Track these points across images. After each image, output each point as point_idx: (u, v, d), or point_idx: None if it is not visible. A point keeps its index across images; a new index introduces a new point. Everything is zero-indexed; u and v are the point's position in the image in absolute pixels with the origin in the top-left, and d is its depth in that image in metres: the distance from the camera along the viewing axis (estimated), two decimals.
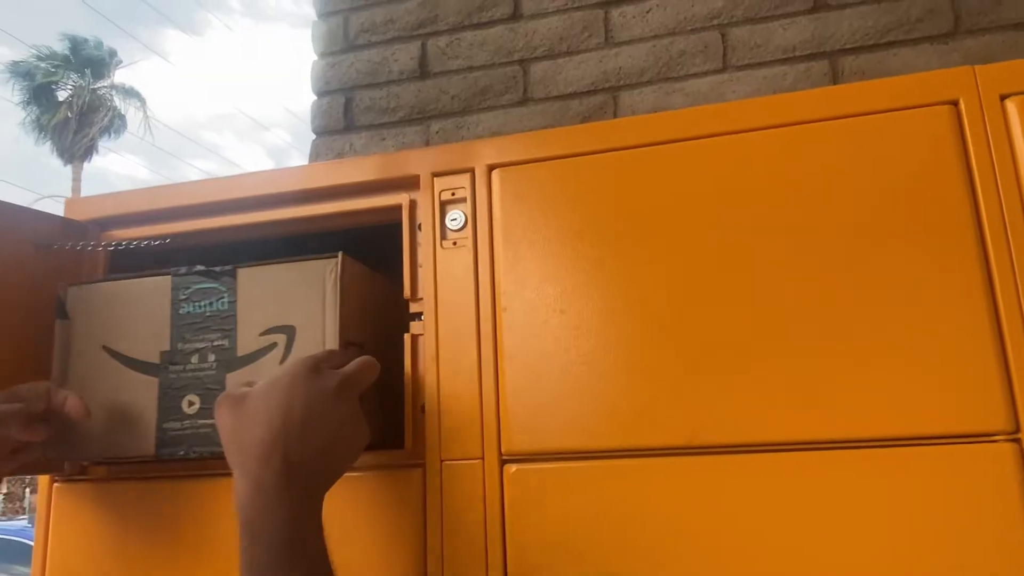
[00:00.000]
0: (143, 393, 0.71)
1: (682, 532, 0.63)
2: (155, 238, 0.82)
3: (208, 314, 0.72)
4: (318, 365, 0.61)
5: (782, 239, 0.66)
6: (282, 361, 0.69)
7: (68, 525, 0.78)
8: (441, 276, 0.73)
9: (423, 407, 0.71)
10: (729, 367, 0.64)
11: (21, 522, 7.83)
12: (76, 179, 21.01)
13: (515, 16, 1.52)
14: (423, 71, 1.55)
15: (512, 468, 0.68)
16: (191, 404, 0.70)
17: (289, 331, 0.69)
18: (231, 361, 0.70)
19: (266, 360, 0.69)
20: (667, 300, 0.67)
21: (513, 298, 0.70)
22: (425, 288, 0.73)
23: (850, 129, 0.66)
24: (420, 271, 0.74)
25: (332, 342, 0.68)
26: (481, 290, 0.72)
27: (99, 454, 0.73)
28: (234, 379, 0.69)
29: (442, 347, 0.71)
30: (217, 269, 0.72)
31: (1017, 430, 0.58)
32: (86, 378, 0.73)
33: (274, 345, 0.69)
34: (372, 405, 0.69)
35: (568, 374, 0.68)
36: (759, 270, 0.65)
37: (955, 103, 0.64)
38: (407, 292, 0.74)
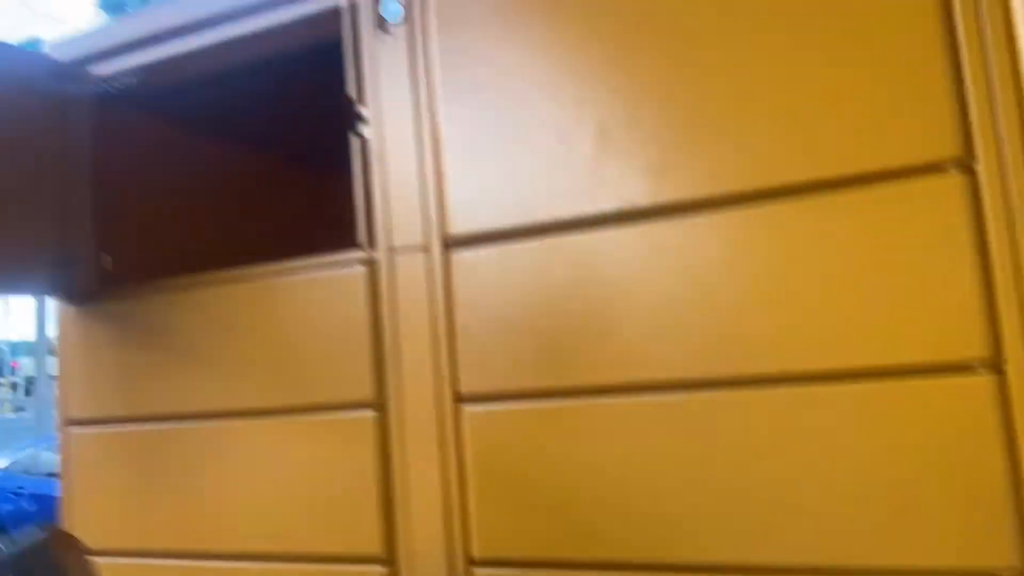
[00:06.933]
0: None
1: (622, 299, 0.62)
2: (127, 73, 0.84)
3: None
4: None
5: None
6: None
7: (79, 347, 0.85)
8: (380, 71, 0.72)
9: (371, 201, 0.72)
10: (655, 132, 0.61)
11: None
12: None
13: None
14: None
15: (457, 253, 0.68)
16: None
17: None
18: None
19: None
20: (593, 65, 0.63)
21: (449, 84, 0.69)
22: (367, 86, 0.73)
23: None
24: (364, 72, 0.73)
25: None
26: (419, 79, 0.70)
27: None
28: None
29: (384, 141, 0.71)
30: None
31: None
32: None
33: None
34: None
35: (504, 153, 0.66)
36: (693, 20, 0.61)
37: None
38: (352, 94, 0.74)
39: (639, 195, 0.62)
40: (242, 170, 1.06)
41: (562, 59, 0.65)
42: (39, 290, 0.82)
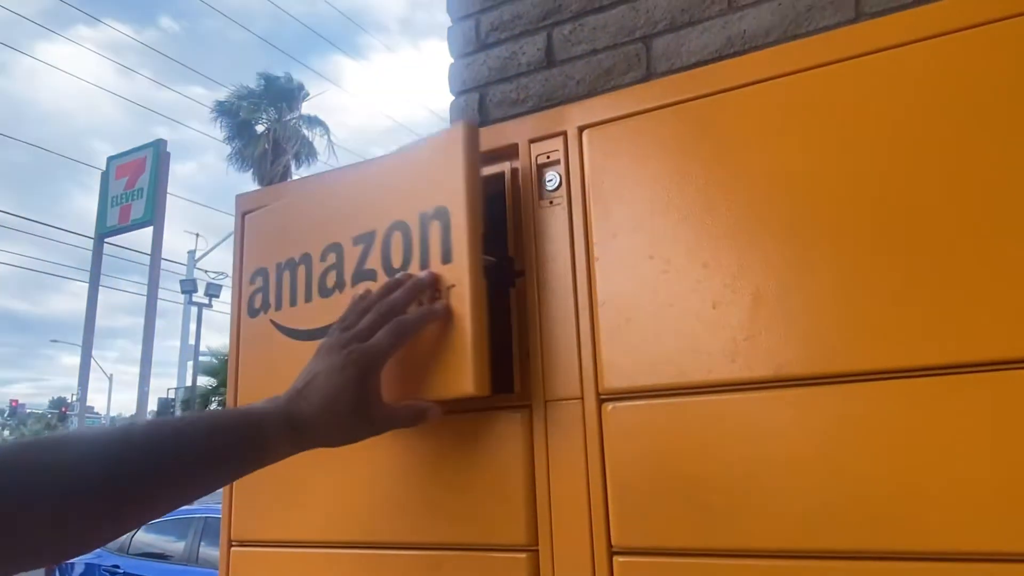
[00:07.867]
0: None
1: (772, 462, 0.64)
2: None
3: None
4: (335, 344, 0.71)
5: (872, 177, 0.65)
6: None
7: None
8: (540, 233, 0.79)
9: (528, 353, 0.78)
10: (809, 303, 0.65)
11: None
12: None
13: None
14: (549, 60, 1.62)
15: (609, 406, 0.72)
16: None
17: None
18: None
19: None
20: (747, 238, 0.68)
21: (605, 248, 0.75)
22: (526, 245, 0.80)
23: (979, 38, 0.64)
24: (523, 232, 0.81)
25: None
26: (576, 243, 0.77)
27: None
28: None
29: (543, 297, 0.78)
30: None
31: None
32: None
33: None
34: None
35: (659, 315, 0.71)
36: (844, 206, 0.65)
37: None
38: (511, 251, 0.81)
39: (793, 363, 0.65)
40: None
41: (717, 230, 0.70)
42: None
